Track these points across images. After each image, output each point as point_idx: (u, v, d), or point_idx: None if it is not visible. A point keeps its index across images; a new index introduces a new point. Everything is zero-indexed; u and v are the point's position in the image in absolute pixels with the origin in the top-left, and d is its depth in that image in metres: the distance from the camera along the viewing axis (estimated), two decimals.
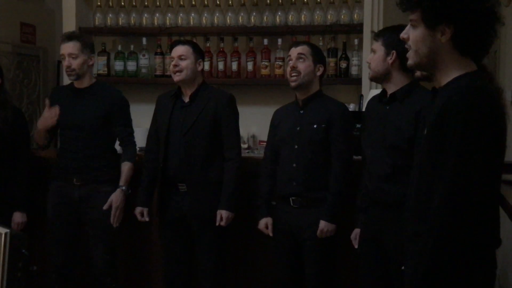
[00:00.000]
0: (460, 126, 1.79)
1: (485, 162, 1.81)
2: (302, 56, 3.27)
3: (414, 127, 2.71)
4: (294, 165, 3.26)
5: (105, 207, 3.50)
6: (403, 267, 2.59)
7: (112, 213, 3.50)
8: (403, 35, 1.99)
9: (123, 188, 3.54)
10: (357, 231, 3.11)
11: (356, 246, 3.10)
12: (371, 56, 2.98)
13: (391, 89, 2.93)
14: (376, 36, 2.98)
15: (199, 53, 3.56)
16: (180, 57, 3.47)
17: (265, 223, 3.37)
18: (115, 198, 3.51)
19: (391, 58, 2.87)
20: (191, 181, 3.44)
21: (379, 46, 2.91)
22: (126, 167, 3.58)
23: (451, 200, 1.80)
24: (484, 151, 1.80)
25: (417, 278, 1.86)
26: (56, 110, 3.56)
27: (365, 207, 3.01)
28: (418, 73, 2.29)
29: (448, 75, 1.93)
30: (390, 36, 2.84)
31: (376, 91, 3.87)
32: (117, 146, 3.77)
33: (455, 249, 1.80)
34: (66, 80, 4.23)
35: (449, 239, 1.79)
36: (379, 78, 2.96)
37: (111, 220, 3.51)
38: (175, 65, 3.47)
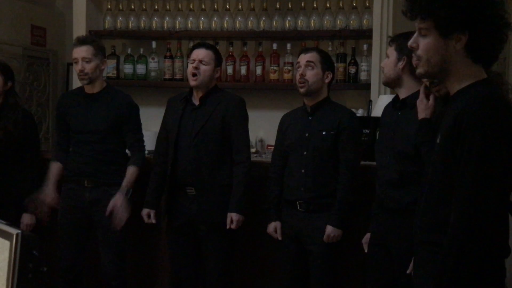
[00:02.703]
0: (478, 136, 1.77)
1: (502, 171, 1.80)
2: (311, 64, 3.28)
3: None
4: (303, 171, 3.27)
5: (107, 213, 3.44)
6: (408, 271, 2.62)
7: (112, 219, 3.42)
8: (411, 44, 1.95)
9: (124, 191, 3.48)
10: (368, 235, 3.10)
11: (366, 250, 3.10)
12: (385, 61, 3.00)
13: (402, 94, 2.94)
14: (391, 41, 3.00)
15: (219, 60, 3.55)
16: (201, 61, 3.45)
17: (274, 227, 3.37)
18: (113, 203, 3.44)
19: (402, 64, 2.87)
20: (200, 185, 3.43)
21: (392, 51, 2.92)
22: (130, 171, 3.55)
23: (472, 211, 1.78)
24: (501, 162, 1.79)
25: None
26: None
27: (376, 212, 3.02)
28: (438, 92, 2.27)
29: (459, 83, 1.91)
30: (402, 42, 2.84)
31: (385, 97, 3.88)
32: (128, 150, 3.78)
33: (476, 260, 1.79)
34: (76, 83, 4.25)
35: (471, 250, 1.78)
36: (390, 83, 2.98)
37: (112, 225, 3.43)
38: (196, 68, 3.44)
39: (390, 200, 2.86)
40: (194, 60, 3.46)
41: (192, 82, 3.45)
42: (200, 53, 3.47)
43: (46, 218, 3.58)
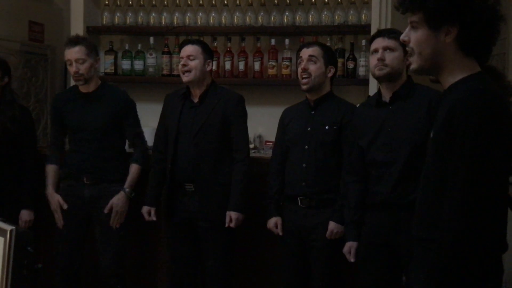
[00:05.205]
0: (470, 130, 1.75)
1: (496, 166, 1.78)
2: (313, 58, 3.26)
3: (428, 120, 2.68)
4: (304, 165, 3.25)
5: (106, 210, 3.50)
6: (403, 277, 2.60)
7: (112, 216, 3.52)
8: (403, 37, 1.95)
9: (127, 190, 3.55)
10: (350, 244, 3.07)
11: (352, 260, 3.07)
12: (392, 54, 2.92)
13: (393, 88, 2.93)
14: (394, 33, 2.93)
15: (208, 53, 3.54)
16: (189, 57, 3.46)
17: (274, 222, 3.36)
18: (116, 201, 3.52)
19: (407, 60, 2.85)
20: (200, 183, 3.43)
21: (398, 46, 2.89)
22: (132, 169, 3.59)
23: (464, 206, 1.76)
24: (495, 155, 1.77)
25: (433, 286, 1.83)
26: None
27: (360, 216, 3.00)
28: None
29: (453, 77, 1.90)
30: None
31: None
32: (127, 146, 3.78)
33: (469, 256, 1.77)
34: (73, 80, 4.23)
35: (464, 246, 1.76)
36: (393, 76, 2.93)
37: (110, 222, 3.52)
38: (184, 65, 3.45)
39: (400, 195, 2.84)
40: (182, 57, 3.47)
41: (184, 78, 3.46)
42: (186, 50, 3.48)
43: (61, 221, 3.60)
